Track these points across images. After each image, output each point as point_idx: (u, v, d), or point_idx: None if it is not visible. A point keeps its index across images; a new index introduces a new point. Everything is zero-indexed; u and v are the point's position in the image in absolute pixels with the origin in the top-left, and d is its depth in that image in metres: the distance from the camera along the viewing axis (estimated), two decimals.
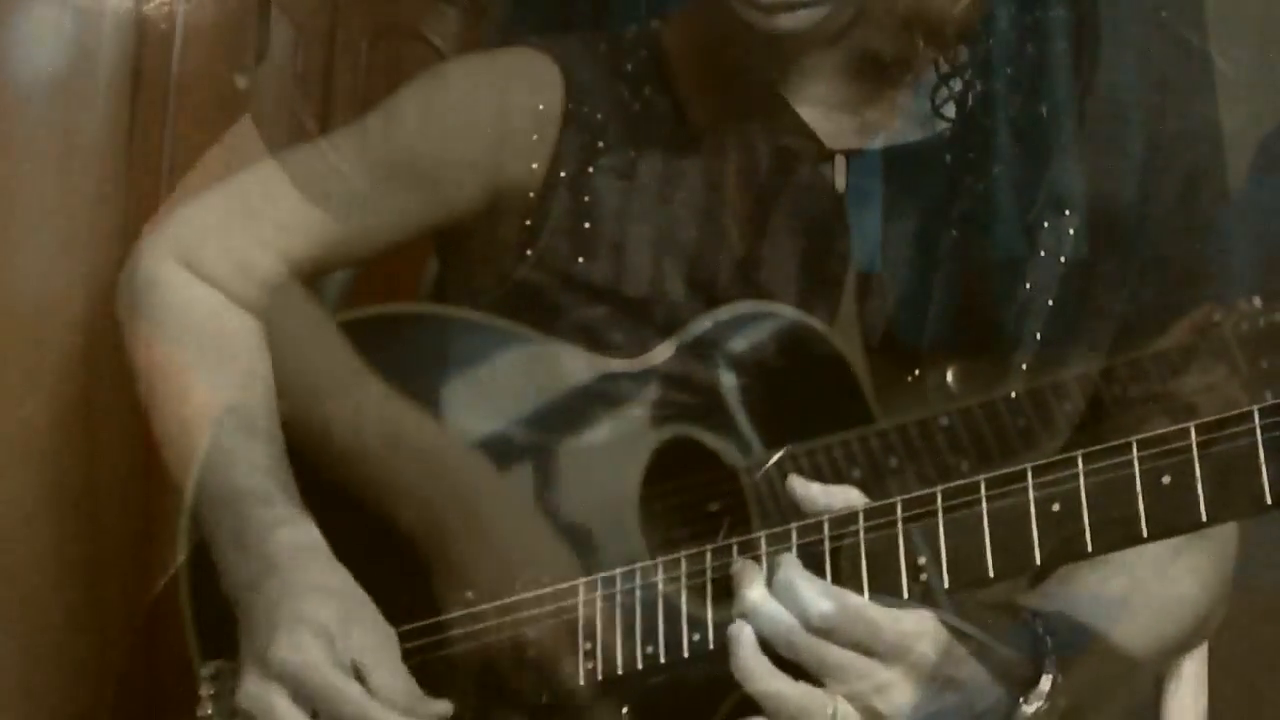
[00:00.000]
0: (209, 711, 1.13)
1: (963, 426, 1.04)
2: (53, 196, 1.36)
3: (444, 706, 1.05)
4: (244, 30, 1.43)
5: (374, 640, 1.05)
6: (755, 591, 0.97)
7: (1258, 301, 1.02)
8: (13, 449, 1.34)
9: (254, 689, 1.03)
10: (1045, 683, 0.97)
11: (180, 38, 1.40)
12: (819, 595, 0.95)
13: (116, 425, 1.26)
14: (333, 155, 1.16)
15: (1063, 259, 1.08)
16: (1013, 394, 1.04)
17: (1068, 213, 1.09)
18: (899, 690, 0.95)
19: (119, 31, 1.38)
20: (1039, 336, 1.08)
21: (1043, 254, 1.07)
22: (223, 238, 1.16)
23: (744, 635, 0.97)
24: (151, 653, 1.31)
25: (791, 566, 0.97)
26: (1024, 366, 1.07)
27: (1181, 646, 1.18)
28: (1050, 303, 1.08)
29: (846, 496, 0.99)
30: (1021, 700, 0.97)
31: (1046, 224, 1.09)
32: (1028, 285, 1.08)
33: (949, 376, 1.10)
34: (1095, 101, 1.11)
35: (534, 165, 1.14)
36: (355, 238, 1.17)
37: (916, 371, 1.10)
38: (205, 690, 1.13)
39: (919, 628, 0.95)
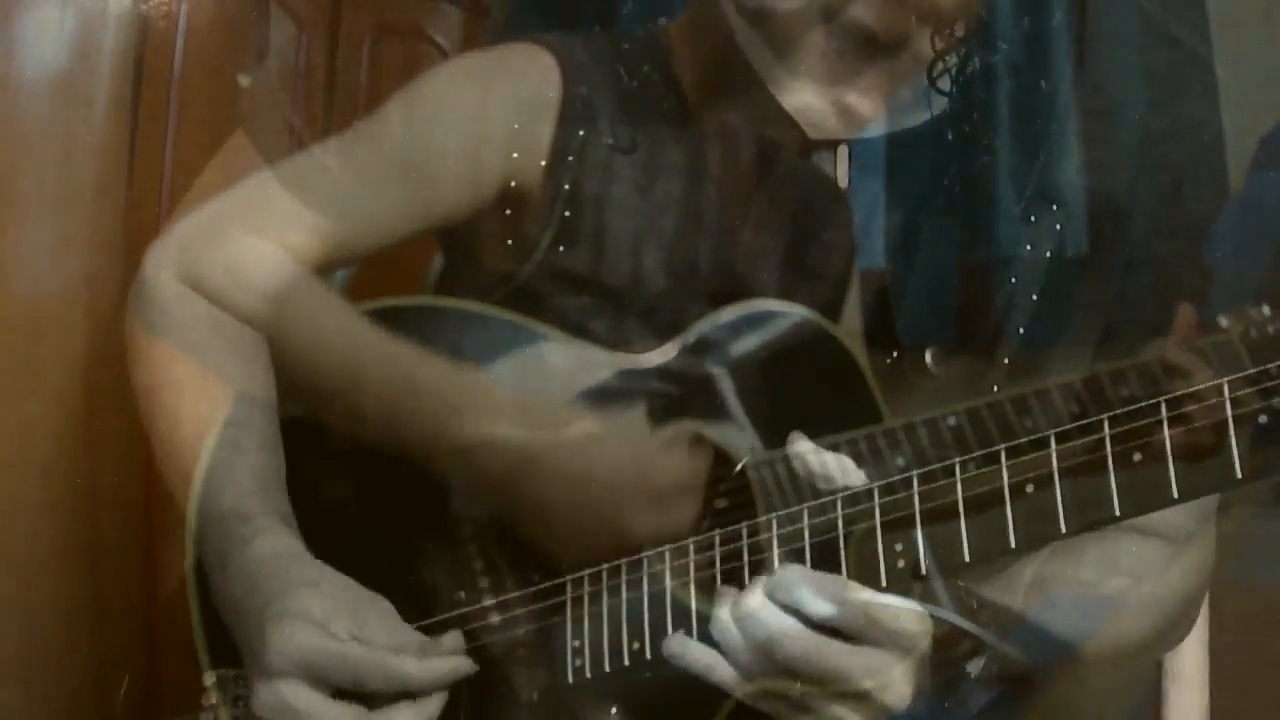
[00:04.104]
0: None
1: (970, 426, 1.04)
2: (54, 195, 1.36)
3: (455, 641, 1.05)
4: (245, 29, 1.43)
5: (368, 611, 1.05)
6: (754, 598, 0.97)
7: (1266, 309, 1.02)
8: (13, 448, 1.33)
9: (266, 693, 1.02)
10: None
11: (181, 37, 1.40)
12: (824, 592, 0.95)
13: (117, 425, 1.25)
14: (330, 161, 1.17)
15: (1049, 254, 1.09)
16: (1020, 394, 1.04)
17: (1055, 207, 1.09)
18: (904, 683, 0.95)
19: (120, 31, 1.38)
20: (1022, 331, 1.08)
21: (1030, 248, 1.08)
22: (222, 251, 1.16)
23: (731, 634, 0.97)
24: (154, 653, 1.31)
25: (793, 568, 0.98)
26: (1006, 360, 1.08)
27: (1148, 647, 1.18)
28: (1035, 297, 1.08)
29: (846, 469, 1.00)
30: (967, 665, 0.98)
31: (1035, 218, 1.09)
32: (1014, 279, 1.09)
33: (935, 370, 1.10)
34: (1089, 95, 1.11)
35: (534, 159, 1.14)
36: (356, 240, 1.18)
37: (920, 366, 1.10)
38: (206, 700, 1.13)
39: (921, 625, 0.95)
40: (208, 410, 1.13)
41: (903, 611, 0.95)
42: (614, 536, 1.04)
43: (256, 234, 1.15)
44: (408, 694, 1.02)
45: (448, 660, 1.04)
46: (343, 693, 1.02)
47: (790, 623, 0.96)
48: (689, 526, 1.05)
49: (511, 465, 1.04)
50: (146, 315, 1.17)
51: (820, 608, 0.95)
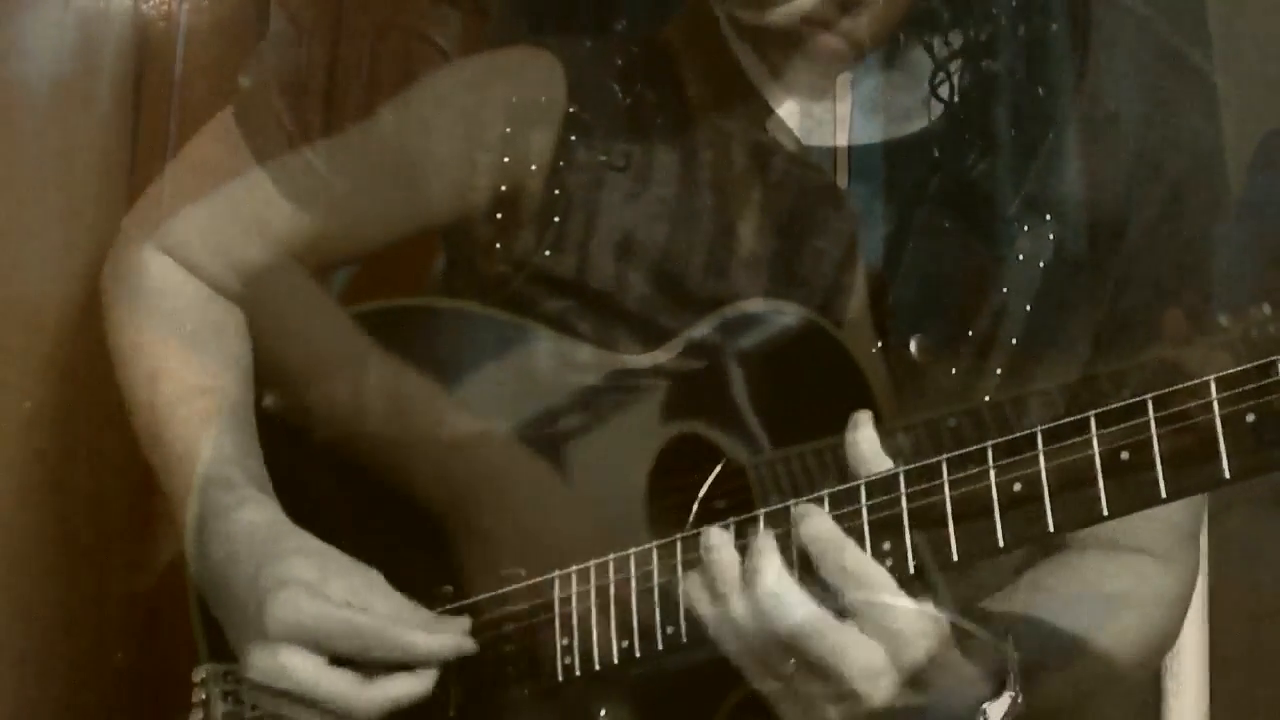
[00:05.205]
0: (200, 718, 1.13)
1: (970, 427, 1.04)
2: (55, 196, 1.36)
3: (462, 621, 1.06)
4: (245, 30, 1.43)
5: (360, 580, 1.06)
6: (772, 576, 0.96)
7: (1267, 308, 1.02)
8: (14, 445, 1.34)
9: (262, 660, 1.03)
10: (1006, 699, 0.98)
11: (182, 37, 1.40)
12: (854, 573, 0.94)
13: (118, 422, 1.25)
14: (322, 163, 1.17)
15: (1041, 264, 1.09)
16: (1019, 396, 1.04)
17: (1048, 217, 1.09)
18: (888, 682, 0.94)
19: (121, 31, 1.38)
20: (1014, 341, 1.08)
21: (1021, 258, 1.08)
22: (207, 230, 1.18)
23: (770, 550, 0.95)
24: (152, 650, 1.31)
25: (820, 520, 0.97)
26: (998, 370, 1.08)
27: (1143, 660, 1.18)
28: (1028, 307, 1.08)
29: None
30: (985, 709, 0.98)
31: (1026, 227, 1.09)
32: (1004, 289, 1.09)
33: (919, 359, 1.10)
34: (1087, 106, 1.11)
35: (537, 161, 1.14)
36: (347, 241, 1.19)
37: (908, 360, 1.10)
38: (197, 696, 1.14)
39: (921, 625, 0.95)
40: (186, 375, 1.14)
41: (905, 605, 0.95)
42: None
43: (241, 222, 1.16)
44: (405, 665, 1.03)
45: (453, 636, 1.05)
46: (338, 660, 1.03)
47: (799, 595, 0.95)
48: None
49: (451, 485, 1.07)
50: (123, 287, 1.18)
51: (830, 564, 0.95)
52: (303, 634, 1.02)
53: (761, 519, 1.00)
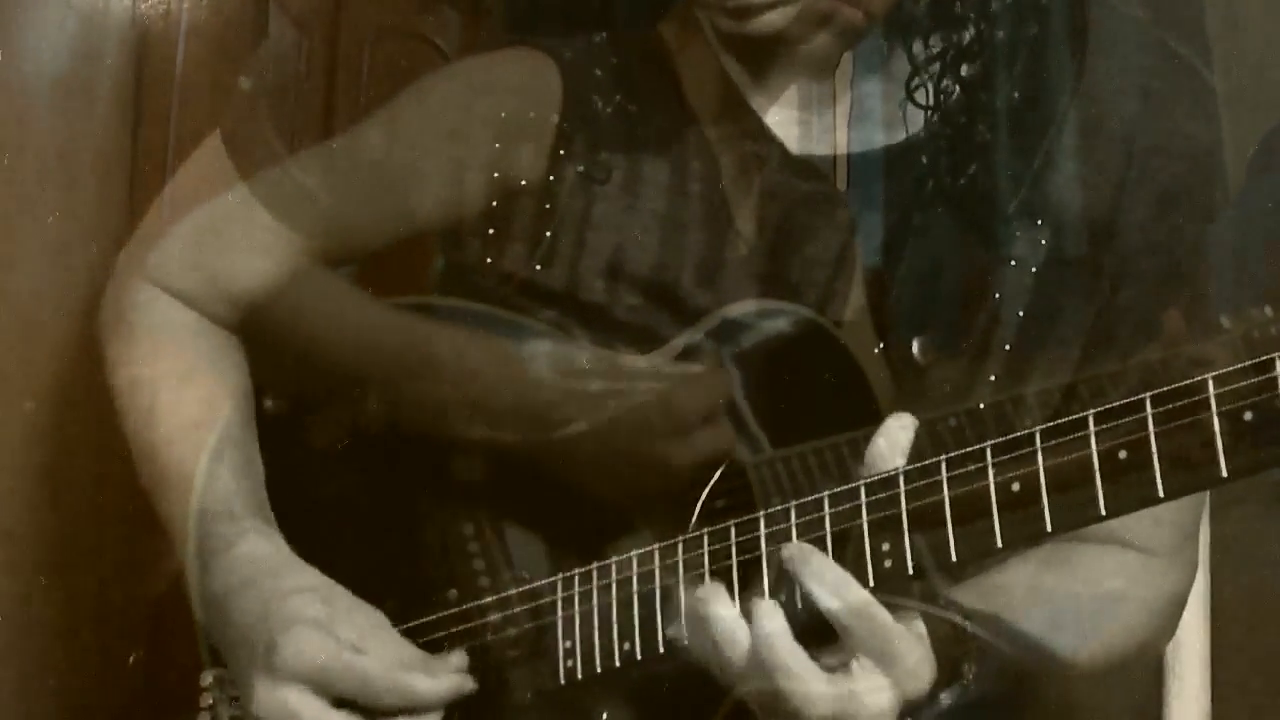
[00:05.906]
0: None
1: (970, 427, 1.04)
2: (56, 197, 1.36)
3: (459, 659, 1.06)
4: (245, 30, 1.43)
5: (364, 621, 1.06)
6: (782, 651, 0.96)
7: (1268, 309, 1.02)
8: (15, 447, 1.34)
9: (268, 697, 1.03)
10: (958, 684, 0.99)
11: (182, 38, 1.40)
12: (834, 590, 0.95)
13: (119, 423, 1.26)
14: (309, 177, 1.17)
15: (1034, 269, 1.09)
16: (1019, 395, 1.04)
17: (1040, 222, 1.09)
18: (885, 698, 0.95)
19: (121, 31, 1.38)
20: (1007, 347, 1.08)
21: (1013, 263, 1.08)
22: (198, 260, 1.17)
23: (776, 624, 0.95)
24: (154, 652, 1.31)
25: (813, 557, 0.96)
26: (992, 377, 1.08)
27: (1120, 656, 1.17)
28: (1020, 313, 1.08)
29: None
30: (942, 694, 0.98)
31: (1019, 232, 1.09)
32: (998, 295, 1.09)
33: (922, 361, 1.10)
34: (1079, 110, 1.11)
35: (528, 175, 1.14)
36: (334, 251, 1.19)
37: (909, 360, 1.10)
38: (205, 701, 1.14)
39: (916, 646, 0.95)
40: (183, 410, 1.14)
41: (908, 641, 0.95)
42: (656, 473, 1.06)
43: (230, 246, 1.16)
44: (409, 708, 1.04)
45: (454, 678, 1.05)
46: (342, 702, 1.03)
47: (782, 631, 0.95)
48: (726, 454, 1.06)
49: (540, 421, 1.07)
50: (118, 323, 1.18)
51: (826, 598, 0.95)
52: (310, 675, 1.02)
53: (763, 521, 0.99)
